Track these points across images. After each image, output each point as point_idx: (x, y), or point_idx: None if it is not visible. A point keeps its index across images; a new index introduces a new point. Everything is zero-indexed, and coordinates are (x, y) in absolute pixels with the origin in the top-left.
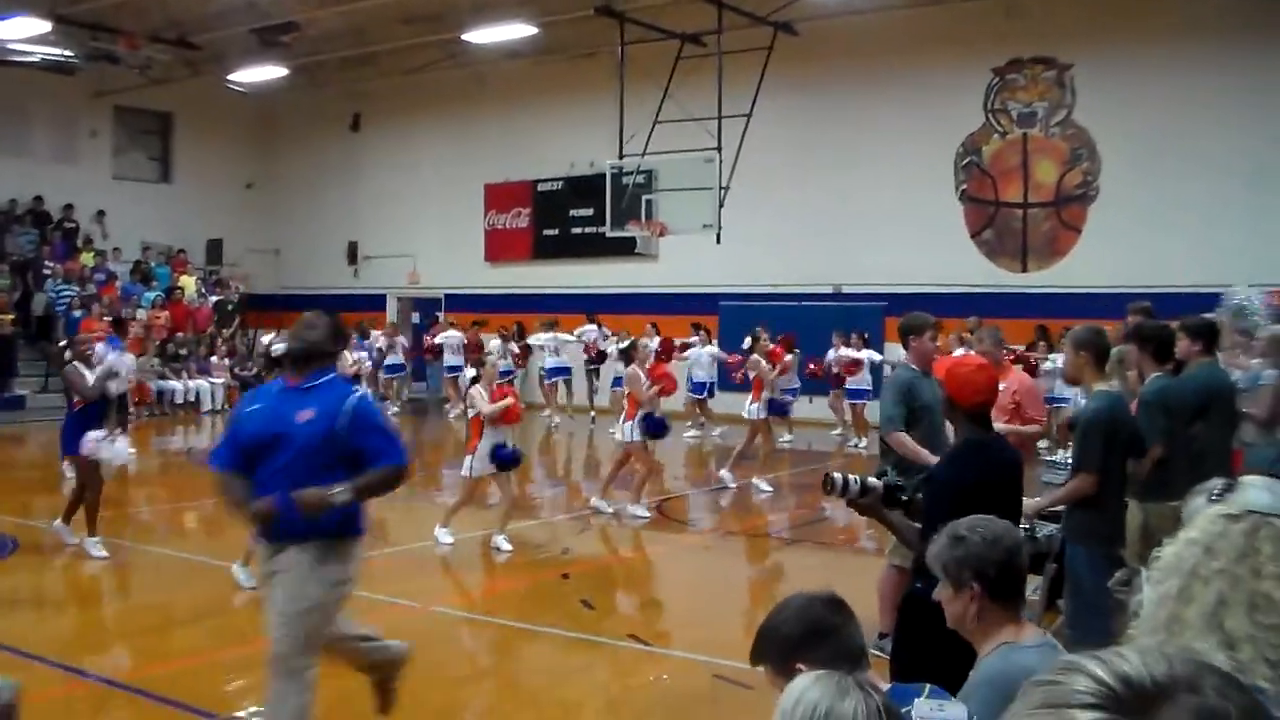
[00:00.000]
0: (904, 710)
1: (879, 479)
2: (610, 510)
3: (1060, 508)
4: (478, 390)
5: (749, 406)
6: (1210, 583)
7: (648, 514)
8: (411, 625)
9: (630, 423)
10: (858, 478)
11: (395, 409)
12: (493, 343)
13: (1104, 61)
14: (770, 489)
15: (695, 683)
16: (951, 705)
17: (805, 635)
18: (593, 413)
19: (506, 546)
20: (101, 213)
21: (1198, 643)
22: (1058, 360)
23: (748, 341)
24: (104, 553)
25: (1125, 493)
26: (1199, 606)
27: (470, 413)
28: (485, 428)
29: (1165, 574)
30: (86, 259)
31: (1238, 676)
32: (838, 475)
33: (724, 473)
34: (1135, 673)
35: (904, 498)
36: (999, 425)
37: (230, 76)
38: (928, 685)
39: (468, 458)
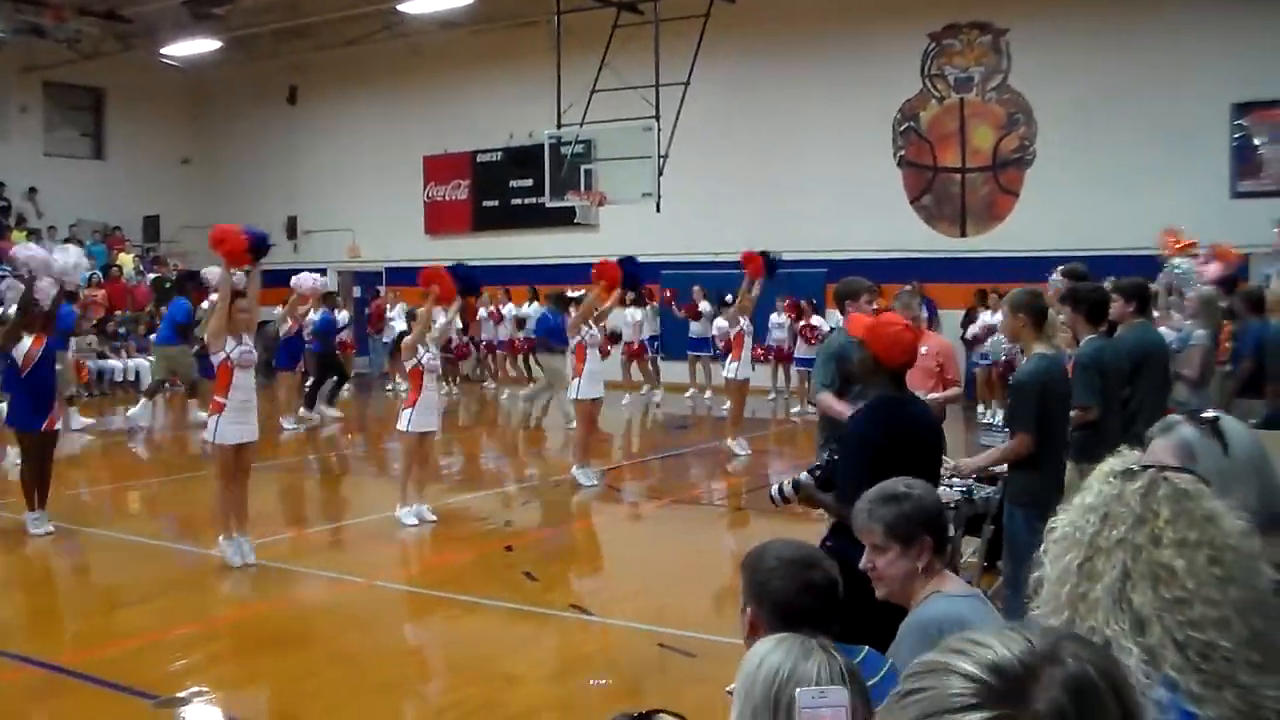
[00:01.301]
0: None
1: (809, 471)
2: (593, 481)
3: (998, 469)
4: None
5: (729, 366)
6: (1111, 555)
7: (595, 482)
8: (356, 599)
9: (579, 379)
10: (789, 483)
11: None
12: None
13: (1039, 26)
14: (745, 452)
15: (640, 652)
16: (833, 690)
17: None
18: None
19: (431, 516)
20: (33, 190)
21: (1109, 625)
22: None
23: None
24: (43, 527)
25: (1065, 454)
26: (1104, 582)
27: (408, 365)
28: (424, 380)
29: (1063, 546)
30: (19, 237)
31: (1128, 651)
32: (774, 489)
33: (729, 443)
34: (1002, 660)
35: (821, 474)
36: (929, 394)
37: (163, 50)
38: (865, 648)
39: (406, 412)
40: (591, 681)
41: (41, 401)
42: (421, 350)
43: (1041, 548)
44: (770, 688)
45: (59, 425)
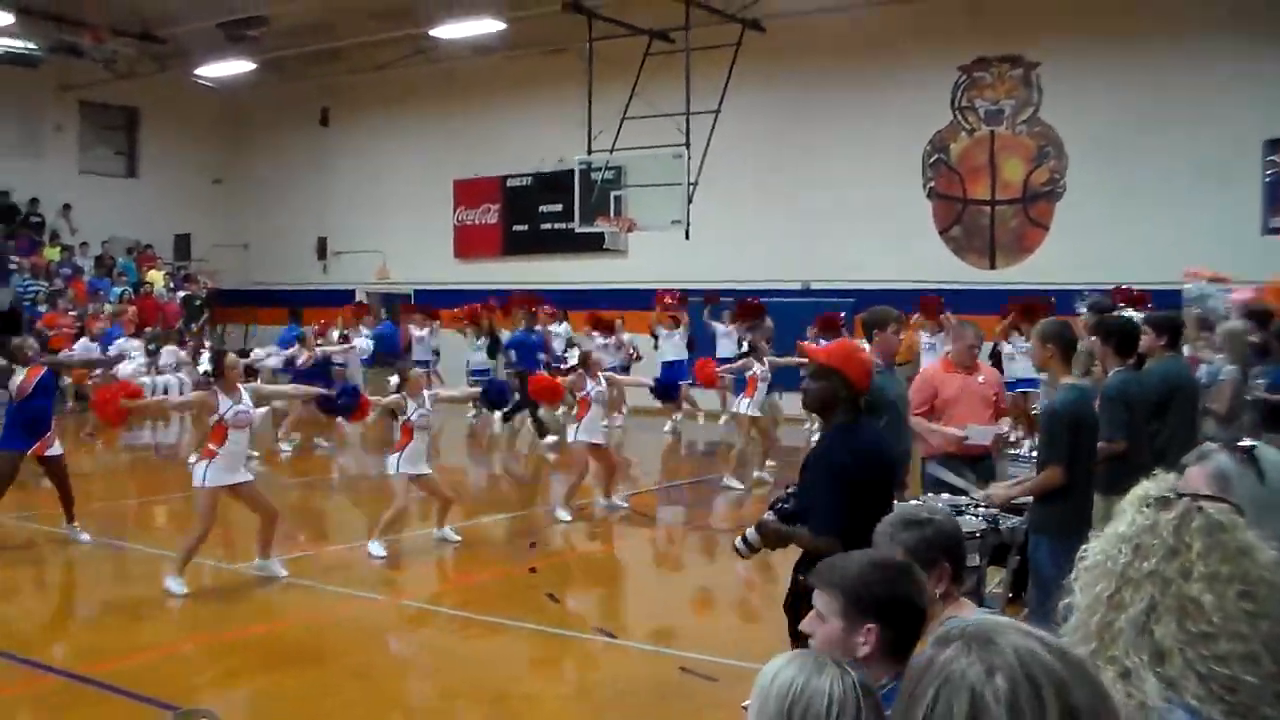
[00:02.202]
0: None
1: (770, 510)
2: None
3: (1024, 500)
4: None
5: (741, 402)
6: (1140, 587)
7: (624, 505)
8: (378, 618)
9: (576, 425)
10: (752, 529)
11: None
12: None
13: (1071, 60)
14: (740, 486)
15: (661, 675)
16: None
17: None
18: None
19: (455, 537)
20: (67, 206)
21: (1129, 657)
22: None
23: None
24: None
25: (1092, 486)
26: (1130, 613)
27: (400, 418)
28: (414, 435)
29: (1095, 575)
30: (52, 254)
31: (1144, 680)
32: (738, 540)
33: (726, 478)
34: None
35: (788, 507)
36: (990, 427)
37: (197, 71)
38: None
39: (393, 456)
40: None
41: (34, 427)
42: (412, 406)
43: (1073, 575)
44: (784, 703)
45: (55, 450)
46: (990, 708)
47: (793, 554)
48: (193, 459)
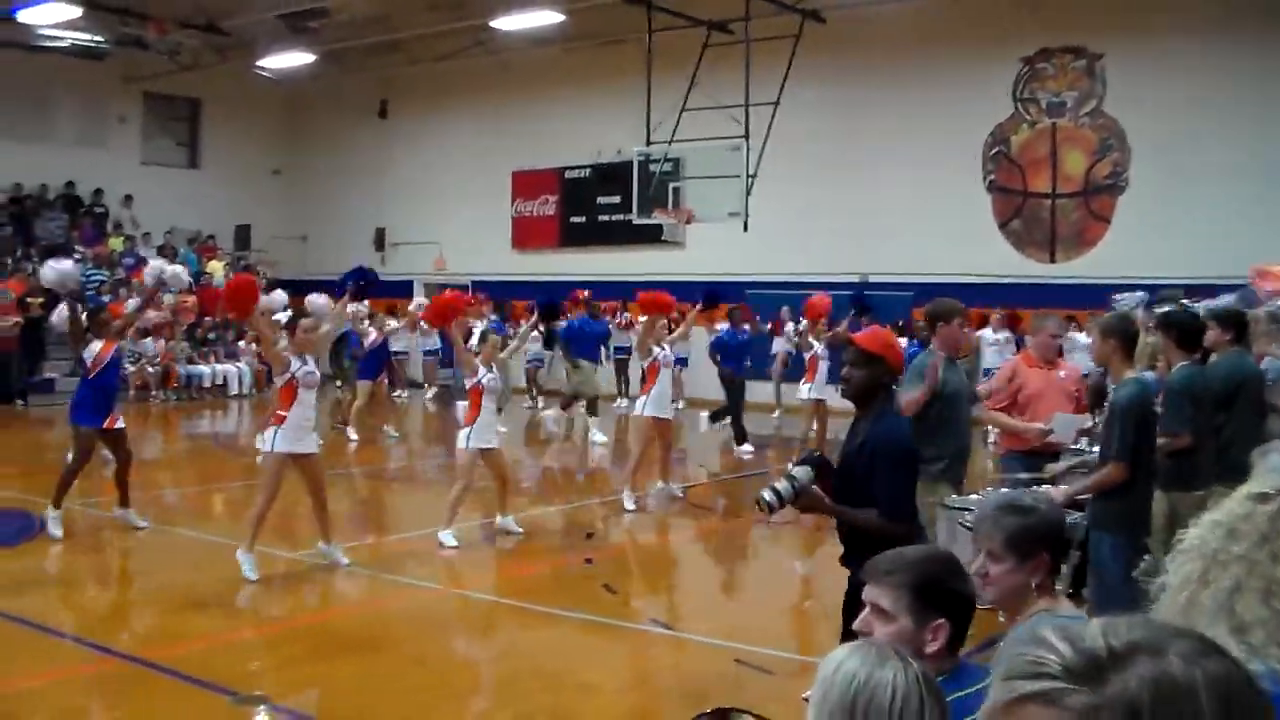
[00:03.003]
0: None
1: (801, 464)
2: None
3: (1084, 496)
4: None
5: (803, 387)
6: (1228, 567)
7: (680, 494)
8: (434, 607)
9: (644, 397)
10: (783, 482)
11: (431, 394)
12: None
13: (1135, 51)
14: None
15: (716, 667)
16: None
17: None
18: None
19: (516, 529)
20: (129, 197)
21: (1209, 629)
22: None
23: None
24: (144, 523)
25: (1153, 482)
26: (1214, 591)
27: (469, 383)
28: (484, 400)
29: (1187, 557)
30: (115, 244)
31: (1227, 648)
32: (765, 492)
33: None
34: (1091, 640)
35: (819, 461)
36: (1074, 419)
37: (259, 63)
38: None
39: (464, 431)
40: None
41: (106, 402)
42: (483, 370)
43: (1168, 558)
44: (847, 694)
45: (120, 424)
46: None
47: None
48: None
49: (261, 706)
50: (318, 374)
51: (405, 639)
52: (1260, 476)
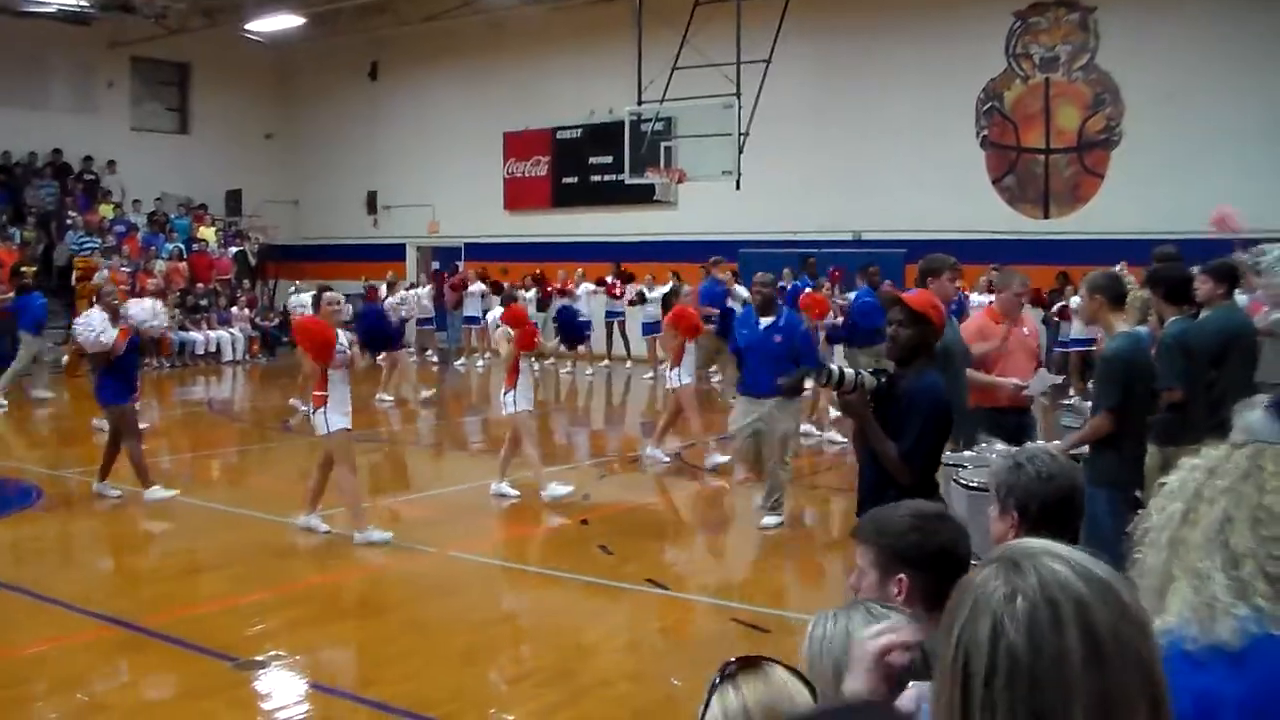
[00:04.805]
0: None
1: (873, 374)
2: (666, 458)
3: (1078, 451)
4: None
5: None
6: (1215, 502)
7: (667, 458)
8: (432, 570)
9: (678, 369)
10: (851, 371)
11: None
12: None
13: (1128, 4)
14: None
15: (713, 627)
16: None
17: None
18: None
19: (512, 492)
20: (112, 163)
21: (1201, 562)
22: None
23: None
24: (167, 493)
25: (1146, 436)
26: (1204, 525)
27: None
28: (522, 363)
29: (1170, 498)
30: (106, 211)
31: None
32: (834, 366)
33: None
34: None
35: (882, 379)
36: (1047, 376)
37: (247, 26)
38: None
39: (509, 395)
40: (674, 681)
41: (130, 382)
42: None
43: (1151, 501)
44: (813, 649)
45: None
46: (1009, 632)
47: (842, 510)
48: (303, 407)
49: (262, 671)
50: (348, 351)
51: (403, 602)
52: (1235, 434)
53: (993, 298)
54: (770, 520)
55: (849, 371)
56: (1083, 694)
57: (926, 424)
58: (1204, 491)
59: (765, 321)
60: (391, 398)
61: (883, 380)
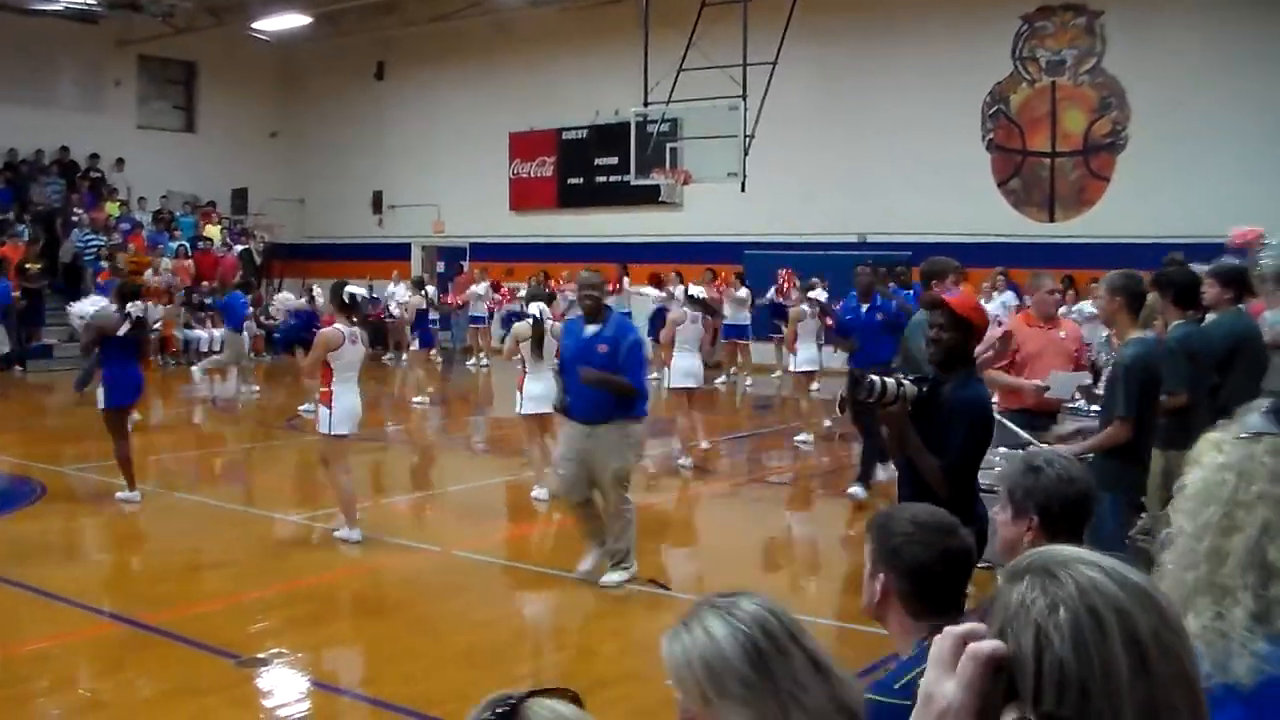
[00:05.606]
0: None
1: (915, 383)
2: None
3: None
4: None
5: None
6: (1253, 509)
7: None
8: (434, 569)
9: (667, 369)
10: (894, 381)
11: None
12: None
13: (1135, 8)
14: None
15: None
16: None
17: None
18: None
19: (545, 496)
20: (120, 160)
21: (1233, 579)
22: (1085, 307)
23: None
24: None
25: (1152, 441)
26: (1243, 536)
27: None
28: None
29: (1200, 502)
30: (111, 209)
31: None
32: (875, 378)
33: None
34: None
35: (923, 388)
36: (1071, 378)
37: (254, 25)
38: None
39: (517, 394)
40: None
41: (134, 385)
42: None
43: (1173, 504)
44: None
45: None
46: (1055, 643)
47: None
48: (306, 406)
49: (265, 669)
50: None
51: (406, 601)
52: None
53: (999, 301)
54: (614, 578)
55: (890, 382)
56: (1131, 704)
57: (973, 432)
58: (1239, 496)
59: (591, 330)
60: (426, 399)
61: (924, 389)
